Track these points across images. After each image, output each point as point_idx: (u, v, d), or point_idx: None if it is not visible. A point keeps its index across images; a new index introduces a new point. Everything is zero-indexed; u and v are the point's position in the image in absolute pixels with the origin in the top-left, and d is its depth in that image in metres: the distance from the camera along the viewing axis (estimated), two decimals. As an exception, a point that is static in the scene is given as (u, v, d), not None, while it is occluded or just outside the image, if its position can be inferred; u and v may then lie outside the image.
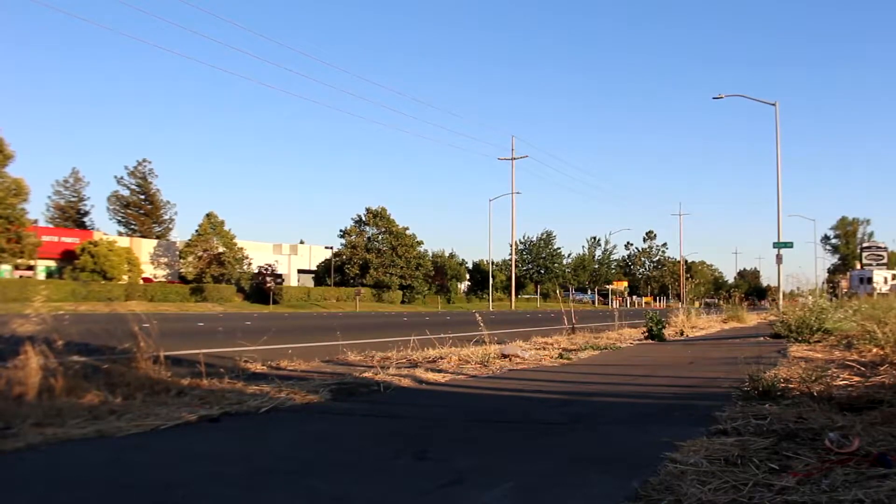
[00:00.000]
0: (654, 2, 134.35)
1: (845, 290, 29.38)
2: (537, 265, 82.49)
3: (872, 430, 3.38)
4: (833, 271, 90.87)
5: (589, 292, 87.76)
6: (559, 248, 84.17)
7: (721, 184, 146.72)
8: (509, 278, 67.51)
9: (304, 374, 5.96)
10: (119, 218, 59.21)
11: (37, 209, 69.70)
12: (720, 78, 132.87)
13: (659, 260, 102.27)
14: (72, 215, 57.42)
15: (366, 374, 5.94)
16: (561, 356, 8.55)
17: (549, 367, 7.63)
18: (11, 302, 28.52)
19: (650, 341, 12.26)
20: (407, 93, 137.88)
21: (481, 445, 3.53)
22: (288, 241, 66.27)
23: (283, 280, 52.67)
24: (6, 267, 39.73)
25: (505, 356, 7.83)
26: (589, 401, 5.35)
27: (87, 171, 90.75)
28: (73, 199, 58.48)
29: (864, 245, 59.41)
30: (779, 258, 27.21)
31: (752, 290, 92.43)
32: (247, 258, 52.46)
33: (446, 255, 75.43)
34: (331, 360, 7.25)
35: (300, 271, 64.41)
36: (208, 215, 52.19)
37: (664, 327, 13.36)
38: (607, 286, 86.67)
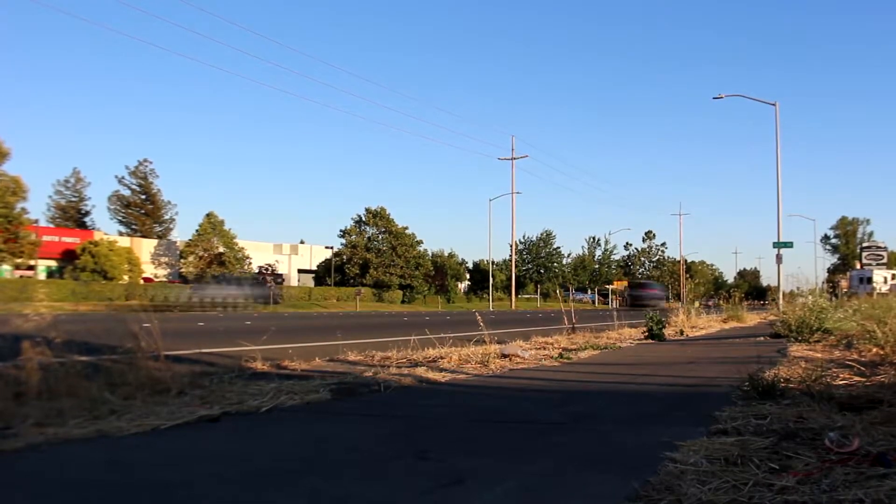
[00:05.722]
0: (653, 3, 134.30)
1: (845, 290, 29.37)
2: (537, 265, 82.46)
3: (872, 429, 3.38)
4: (833, 271, 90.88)
5: (589, 292, 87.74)
6: (559, 248, 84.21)
7: (721, 184, 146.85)
8: (509, 278, 67.51)
9: (305, 374, 5.96)
10: (120, 218, 59.26)
11: (38, 209, 69.70)
12: (720, 78, 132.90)
13: (659, 260, 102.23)
14: (73, 215, 57.42)
15: (366, 374, 5.94)
16: (561, 356, 8.55)
17: (549, 366, 7.63)
18: (11, 301, 28.53)
19: (650, 341, 12.25)
20: (407, 93, 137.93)
21: (482, 445, 3.53)
22: (288, 241, 66.36)
23: (283, 280, 52.69)
24: (6, 266, 39.72)
25: (505, 356, 7.83)
26: (589, 400, 5.35)
27: (88, 172, 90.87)
28: (73, 199, 58.49)
29: (864, 245, 59.46)
30: (779, 258, 27.24)
31: (752, 289, 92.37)
32: (247, 258, 52.48)
33: (446, 254, 75.41)
34: (331, 360, 7.25)
35: (300, 271, 64.44)
36: (208, 215, 52.27)
37: (664, 327, 13.36)
38: (607, 286, 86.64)
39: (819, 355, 8.23)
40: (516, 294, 66.90)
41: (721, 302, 26.09)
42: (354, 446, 3.50)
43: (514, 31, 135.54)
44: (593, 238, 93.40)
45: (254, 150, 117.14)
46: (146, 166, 59.40)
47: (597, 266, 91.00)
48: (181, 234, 62.32)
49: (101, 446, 3.31)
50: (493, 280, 69.45)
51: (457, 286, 73.51)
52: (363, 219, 63.26)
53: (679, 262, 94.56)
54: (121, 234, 55.89)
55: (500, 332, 11.61)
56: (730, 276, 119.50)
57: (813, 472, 2.72)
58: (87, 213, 59.37)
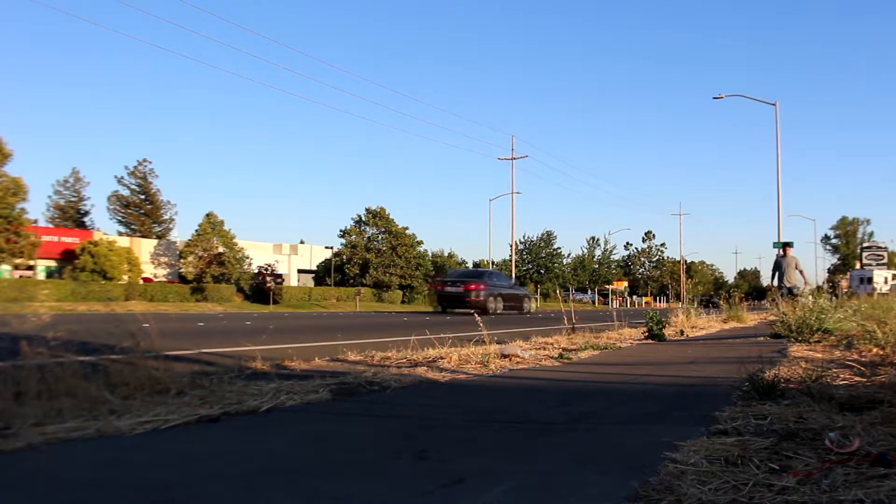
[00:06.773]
0: (654, 3, 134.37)
1: (845, 290, 29.36)
2: (537, 265, 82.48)
3: (873, 429, 3.38)
4: (833, 271, 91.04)
5: (589, 292, 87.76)
6: (559, 248, 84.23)
7: (721, 184, 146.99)
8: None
9: (305, 374, 5.96)
10: (119, 218, 59.31)
11: (37, 209, 69.84)
12: (721, 78, 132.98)
13: (658, 260, 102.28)
14: (72, 215, 57.46)
15: (366, 374, 5.93)
16: (561, 356, 8.54)
17: (549, 366, 7.63)
18: (11, 302, 28.53)
19: (650, 341, 12.25)
20: (407, 93, 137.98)
21: (481, 445, 3.53)
22: (288, 241, 66.40)
23: (283, 280, 52.67)
24: (6, 267, 39.74)
25: (505, 356, 7.82)
26: (589, 400, 5.34)
27: (88, 171, 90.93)
28: (73, 199, 58.52)
29: (864, 245, 59.51)
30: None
31: (752, 289, 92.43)
32: (247, 258, 52.48)
33: (446, 254, 75.42)
34: (331, 360, 7.25)
35: (300, 271, 64.47)
36: (208, 215, 52.26)
37: (664, 327, 13.34)
38: (607, 286, 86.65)
39: (819, 355, 8.23)
40: (516, 294, 66.78)
41: (721, 302, 26.13)
42: (354, 446, 3.50)
43: (514, 32, 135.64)
44: (593, 238, 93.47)
45: (254, 151, 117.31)
46: (145, 166, 59.42)
47: (596, 266, 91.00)
48: (181, 234, 62.41)
49: (100, 446, 3.31)
50: (493, 280, 69.36)
51: (457, 286, 73.47)
52: (363, 219, 63.26)
53: (679, 262, 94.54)
54: (120, 234, 55.88)
55: (499, 332, 11.60)
56: (730, 276, 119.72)
57: (813, 472, 2.72)
58: (86, 213, 59.38)
